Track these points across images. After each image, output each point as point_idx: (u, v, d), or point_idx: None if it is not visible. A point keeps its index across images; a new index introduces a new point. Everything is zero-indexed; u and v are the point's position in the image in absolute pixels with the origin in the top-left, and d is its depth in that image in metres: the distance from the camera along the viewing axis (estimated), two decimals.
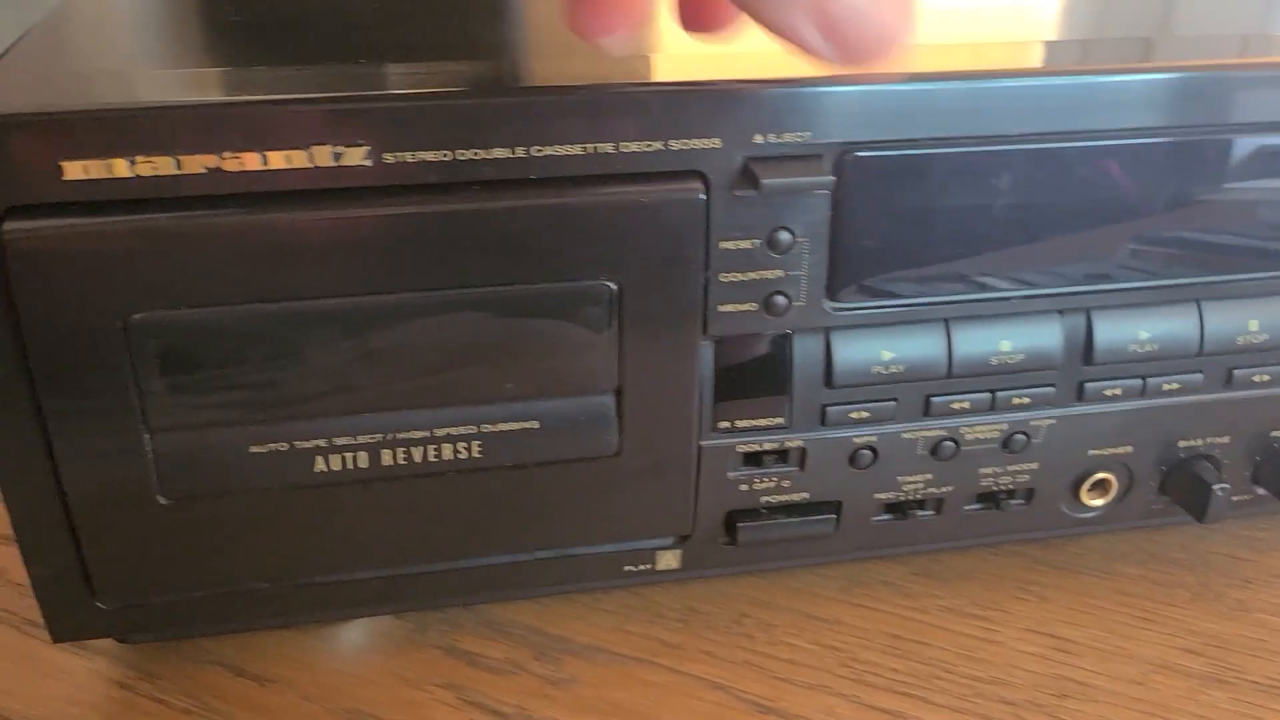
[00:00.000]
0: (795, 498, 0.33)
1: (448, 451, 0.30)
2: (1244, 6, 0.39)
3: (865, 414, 0.32)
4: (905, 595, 0.37)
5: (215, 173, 0.25)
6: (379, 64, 0.28)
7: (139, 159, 0.25)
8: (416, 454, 0.29)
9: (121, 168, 0.25)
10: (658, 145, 0.27)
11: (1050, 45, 0.33)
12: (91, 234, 0.25)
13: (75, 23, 0.34)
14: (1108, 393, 0.33)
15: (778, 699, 0.33)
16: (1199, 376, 0.33)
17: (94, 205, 0.25)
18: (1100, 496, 0.35)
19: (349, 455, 0.29)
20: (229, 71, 0.27)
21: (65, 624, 0.31)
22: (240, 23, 0.34)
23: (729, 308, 0.29)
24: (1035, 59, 0.31)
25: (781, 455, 0.32)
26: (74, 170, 0.25)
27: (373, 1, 0.36)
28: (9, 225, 0.25)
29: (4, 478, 0.28)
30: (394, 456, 0.29)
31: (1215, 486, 0.34)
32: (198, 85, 0.26)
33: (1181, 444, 0.35)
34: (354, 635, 0.35)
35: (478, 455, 0.30)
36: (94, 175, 0.25)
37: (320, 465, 0.29)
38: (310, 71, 0.28)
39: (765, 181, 0.27)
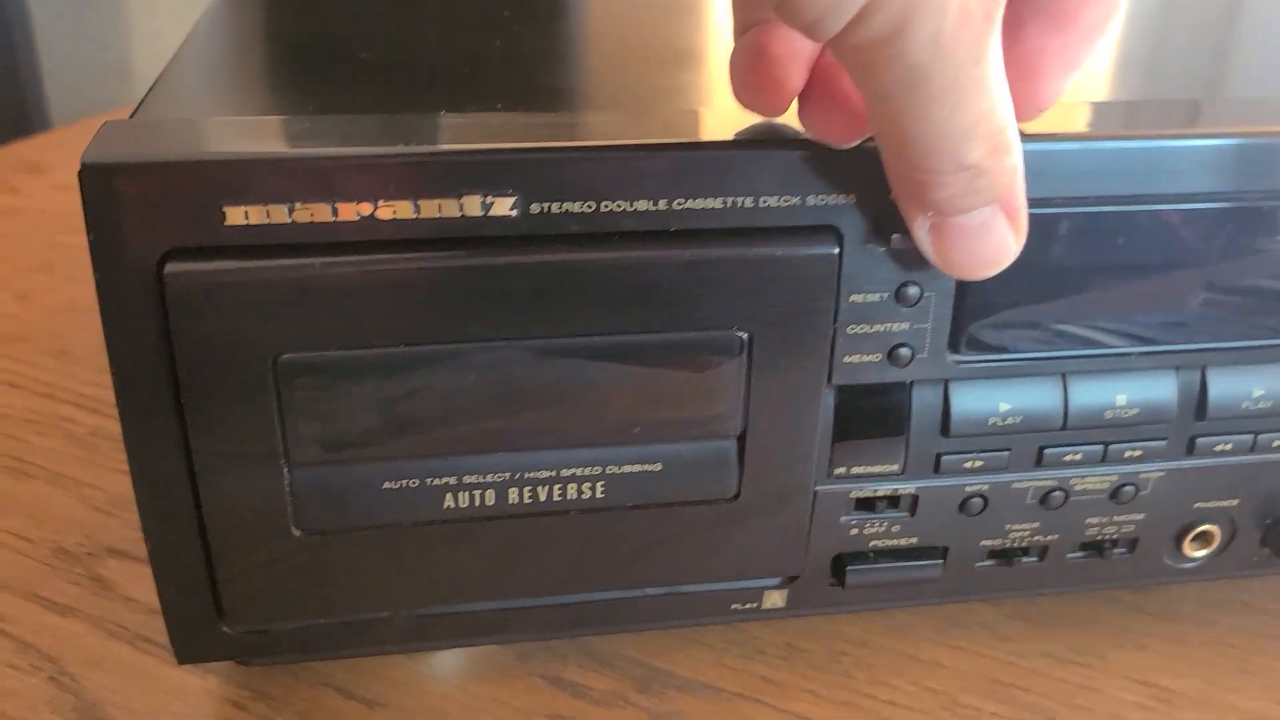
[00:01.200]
0: (904, 543, 0.33)
1: (572, 491, 0.30)
2: None
3: (979, 463, 0.32)
4: (1002, 638, 0.37)
5: (369, 220, 0.26)
6: (520, 111, 0.29)
7: (298, 206, 0.26)
8: (542, 493, 0.30)
9: (280, 214, 0.26)
10: (794, 200, 0.28)
11: (1166, 105, 0.34)
12: (247, 278, 0.26)
13: (204, 67, 0.35)
14: (1218, 448, 0.33)
15: None
16: None
17: (249, 250, 0.26)
18: (1202, 548, 0.36)
19: (477, 493, 0.30)
20: (380, 119, 0.28)
21: (191, 646, 0.32)
22: (371, 61, 0.34)
23: (854, 358, 0.30)
24: (1163, 121, 0.31)
25: (894, 501, 0.33)
26: (235, 215, 0.26)
27: (496, 41, 0.37)
28: (170, 268, 0.26)
29: (144, 503, 0.29)
30: (520, 495, 0.30)
31: None
32: (353, 133, 0.27)
33: None
34: (457, 661, 0.36)
35: (600, 495, 0.30)
36: (254, 221, 0.26)
37: (449, 502, 0.30)
38: (457, 119, 0.28)
39: (895, 237, 0.28)
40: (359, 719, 0.34)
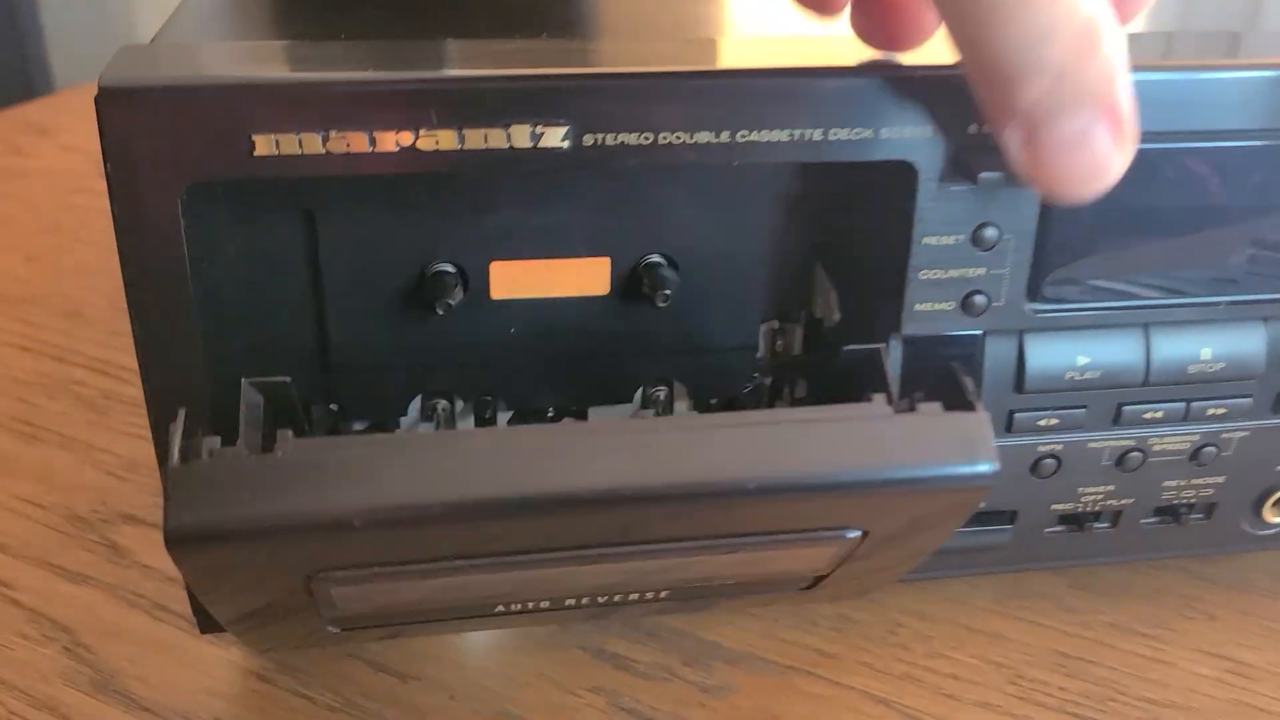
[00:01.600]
0: None
1: (636, 597, 0.28)
2: None
3: (1054, 421, 0.30)
4: (1066, 609, 0.35)
5: (409, 152, 0.24)
6: (568, 39, 0.27)
7: (333, 134, 0.24)
8: (602, 599, 0.28)
9: (314, 143, 0.24)
10: (867, 134, 0.26)
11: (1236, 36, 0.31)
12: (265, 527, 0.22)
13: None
14: None
15: (946, 716, 0.31)
16: None
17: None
18: None
19: (531, 603, 0.27)
20: (421, 44, 0.26)
21: (213, 617, 0.30)
22: None
23: (925, 306, 0.28)
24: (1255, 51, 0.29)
25: None
26: (265, 145, 0.23)
27: None
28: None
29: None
30: (578, 602, 0.28)
31: None
32: (392, 58, 0.25)
33: None
34: (494, 631, 0.34)
35: (665, 597, 0.28)
36: (285, 151, 0.24)
37: (500, 609, 0.27)
38: (503, 45, 0.26)
39: (983, 175, 0.26)
40: (396, 694, 0.32)
